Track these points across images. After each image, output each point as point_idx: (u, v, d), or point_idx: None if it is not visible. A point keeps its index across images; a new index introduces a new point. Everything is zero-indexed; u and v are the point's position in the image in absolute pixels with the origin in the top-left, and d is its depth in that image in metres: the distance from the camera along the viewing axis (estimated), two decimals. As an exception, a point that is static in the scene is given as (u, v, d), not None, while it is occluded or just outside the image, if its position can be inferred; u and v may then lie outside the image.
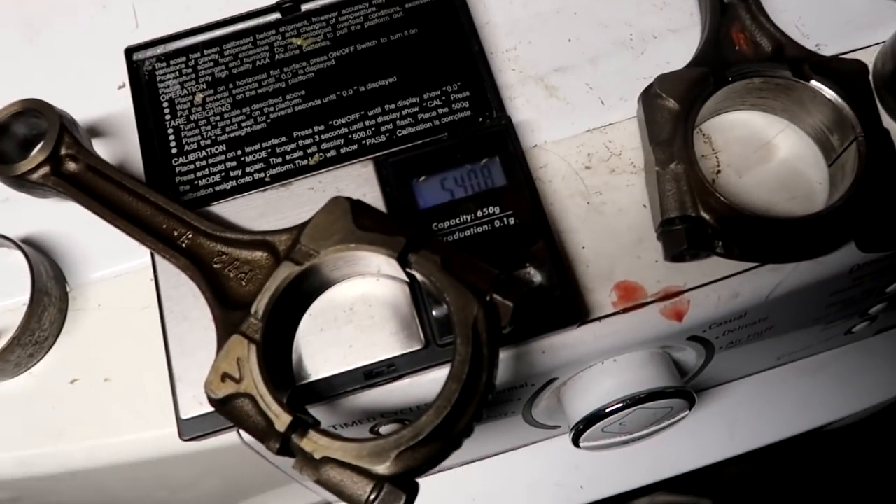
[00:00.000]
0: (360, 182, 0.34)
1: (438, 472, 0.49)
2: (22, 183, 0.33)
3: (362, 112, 0.36)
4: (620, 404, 0.34)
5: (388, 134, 0.36)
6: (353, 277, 0.32)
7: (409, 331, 0.31)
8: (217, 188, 0.36)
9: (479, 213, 0.33)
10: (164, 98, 0.38)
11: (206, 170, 0.36)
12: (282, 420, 0.26)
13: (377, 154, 0.35)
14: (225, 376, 0.27)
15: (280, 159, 0.36)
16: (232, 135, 0.37)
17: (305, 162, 0.36)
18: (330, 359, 0.31)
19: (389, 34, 0.38)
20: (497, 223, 0.33)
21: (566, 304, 0.31)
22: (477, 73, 0.37)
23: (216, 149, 0.36)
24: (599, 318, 0.33)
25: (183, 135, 0.37)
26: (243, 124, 0.37)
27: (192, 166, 0.36)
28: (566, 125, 0.36)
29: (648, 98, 0.33)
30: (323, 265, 0.29)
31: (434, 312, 0.31)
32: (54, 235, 0.37)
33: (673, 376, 0.35)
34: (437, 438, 0.26)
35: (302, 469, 0.26)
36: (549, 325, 0.31)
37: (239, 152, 0.36)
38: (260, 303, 0.28)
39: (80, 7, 0.42)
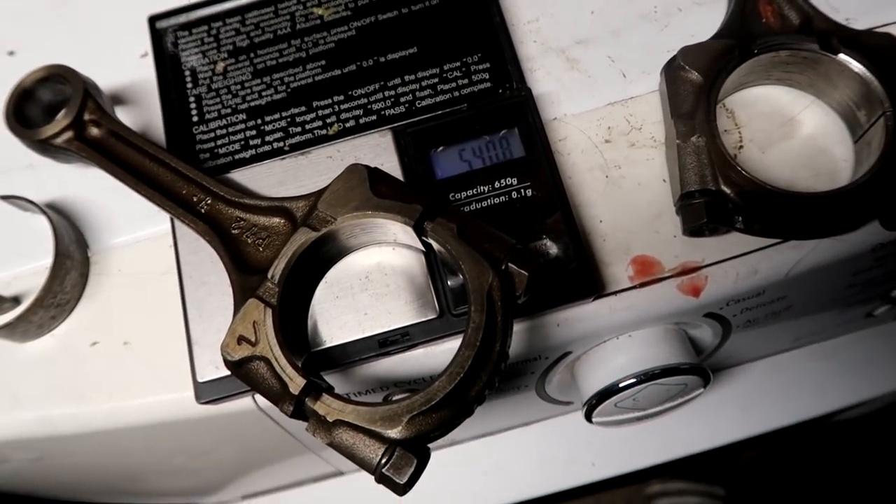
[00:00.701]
0: (378, 151, 0.34)
1: (451, 445, 0.49)
2: (46, 147, 0.34)
3: (382, 82, 0.36)
4: (634, 379, 0.34)
5: (407, 105, 0.36)
6: (370, 246, 0.32)
7: (424, 300, 0.31)
8: (236, 156, 0.36)
9: (497, 185, 0.33)
10: (185, 66, 0.38)
11: (226, 138, 0.36)
12: (296, 383, 0.26)
13: (396, 124, 0.35)
14: (241, 339, 0.28)
15: (299, 129, 0.36)
16: (252, 104, 0.37)
17: (324, 132, 0.36)
18: (345, 326, 0.31)
19: (410, 5, 0.38)
20: (514, 195, 0.32)
21: (582, 277, 0.31)
22: (497, 45, 0.36)
23: (236, 117, 0.37)
24: (615, 293, 0.32)
25: (204, 103, 0.37)
26: (264, 93, 0.37)
27: (212, 134, 0.36)
28: (587, 98, 0.36)
29: (671, 70, 0.33)
30: (339, 232, 0.29)
31: (449, 282, 0.31)
32: (77, 201, 0.37)
33: (688, 353, 0.35)
34: (450, 404, 0.26)
35: (315, 432, 0.26)
36: (564, 298, 0.31)
37: (259, 121, 0.36)
38: (277, 267, 0.29)
39: (105, -24, 0.43)
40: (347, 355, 0.31)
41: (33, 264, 0.36)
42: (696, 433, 0.43)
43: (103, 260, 0.36)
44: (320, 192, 0.30)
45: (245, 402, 0.33)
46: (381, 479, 0.25)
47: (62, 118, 0.33)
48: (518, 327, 0.32)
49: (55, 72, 0.34)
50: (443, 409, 0.26)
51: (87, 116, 0.34)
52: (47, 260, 0.34)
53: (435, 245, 0.29)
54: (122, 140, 0.33)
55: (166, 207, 0.32)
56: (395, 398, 0.35)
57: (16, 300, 0.35)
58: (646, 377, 0.33)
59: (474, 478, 0.45)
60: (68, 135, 0.33)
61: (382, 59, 0.37)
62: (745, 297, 0.34)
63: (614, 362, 0.34)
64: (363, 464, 0.26)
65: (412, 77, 0.36)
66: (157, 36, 0.39)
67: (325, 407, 0.26)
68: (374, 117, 0.36)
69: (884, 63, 0.31)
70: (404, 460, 0.25)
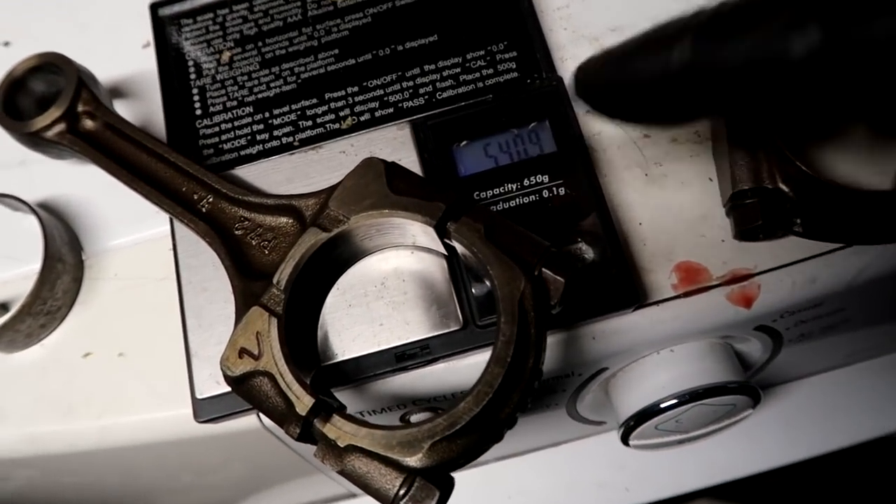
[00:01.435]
0: (395, 146, 0.31)
1: (473, 466, 0.46)
2: (37, 141, 0.31)
3: (400, 73, 0.33)
4: (677, 399, 0.30)
5: (427, 96, 0.33)
6: (386, 249, 0.29)
7: (446, 309, 0.28)
8: (242, 152, 0.33)
9: (526, 183, 0.30)
10: (189, 56, 0.35)
11: (232, 133, 0.34)
12: (303, 402, 0.23)
13: (415, 117, 0.32)
14: (243, 352, 0.25)
15: (310, 122, 0.33)
16: (260, 96, 0.34)
17: (337, 125, 0.33)
18: (358, 338, 0.28)
19: (431, -11, 0.35)
20: (545, 193, 0.29)
21: (621, 284, 0.28)
22: (525, 32, 0.33)
23: (243, 111, 0.34)
24: (658, 302, 0.29)
25: (208, 95, 0.35)
26: (272, 85, 0.34)
27: (216, 129, 0.34)
28: (623, 89, 0.33)
29: (720, 57, 0.30)
30: (353, 233, 0.27)
31: (474, 290, 0.28)
32: (71, 200, 0.35)
33: (736, 370, 0.32)
34: (476, 429, 0.23)
35: (324, 458, 0.23)
36: (601, 308, 0.28)
37: (266, 115, 0.34)
38: (283, 272, 0.26)
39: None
40: (361, 370, 0.28)
41: (24, 268, 0.33)
42: (740, 456, 0.39)
43: (98, 263, 0.33)
44: (332, 189, 0.27)
45: (249, 421, 0.30)
46: (399, 512, 0.22)
47: (54, 109, 0.31)
48: (549, 340, 0.29)
49: (48, 60, 0.32)
50: (469, 434, 0.23)
51: (80, 108, 0.31)
52: (38, 264, 0.31)
53: (459, 247, 0.26)
54: (118, 133, 0.31)
55: (164, 206, 0.29)
56: (413, 418, 0.32)
57: (3, 307, 0.32)
58: (690, 397, 0.30)
59: (497, 502, 0.42)
60: (60, 127, 0.31)
61: (400, 48, 0.34)
62: (801, 308, 0.30)
63: (655, 380, 0.31)
64: (378, 495, 0.22)
65: (432, 67, 0.33)
66: (159, 24, 0.36)
67: (336, 430, 0.23)
68: (390, 110, 0.33)
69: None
70: (425, 492, 0.22)
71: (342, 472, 0.23)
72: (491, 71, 0.33)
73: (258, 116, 0.34)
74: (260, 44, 0.35)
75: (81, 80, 0.31)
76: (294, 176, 0.31)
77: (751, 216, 0.27)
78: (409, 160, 0.31)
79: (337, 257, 0.27)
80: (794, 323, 0.32)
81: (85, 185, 0.35)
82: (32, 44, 0.36)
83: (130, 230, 0.34)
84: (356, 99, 0.33)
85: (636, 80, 0.21)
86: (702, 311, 0.29)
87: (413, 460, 0.22)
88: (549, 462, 0.41)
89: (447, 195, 0.26)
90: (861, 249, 0.29)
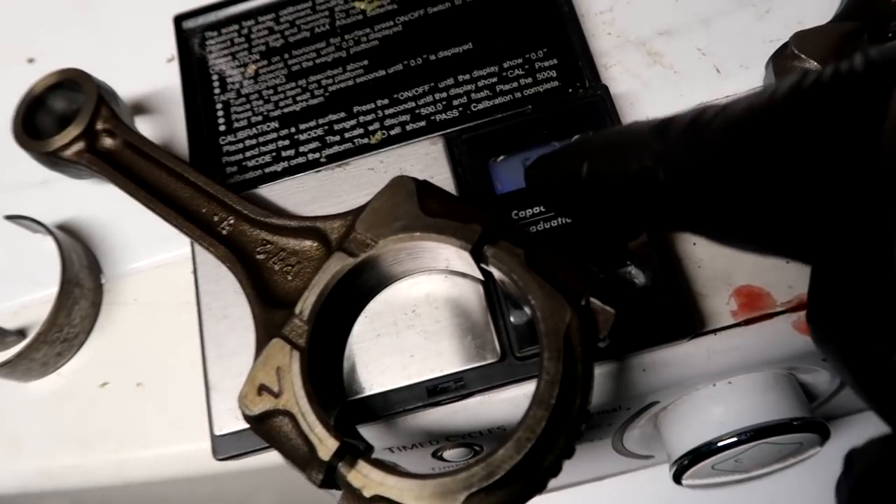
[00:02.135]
0: (427, 162, 0.29)
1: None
2: (55, 161, 0.30)
3: (432, 84, 0.31)
4: (736, 438, 0.28)
5: (461, 108, 0.31)
6: (417, 273, 0.27)
7: (483, 339, 0.26)
8: (267, 170, 0.31)
9: (569, 201, 0.27)
10: (213, 70, 0.34)
11: (256, 149, 0.32)
12: (326, 445, 0.21)
13: (448, 130, 0.30)
14: (262, 388, 0.23)
15: (338, 137, 0.31)
16: (286, 110, 0.32)
17: (366, 140, 0.31)
18: (387, 370, 0.26)
19: (464, -5, 0.33)
20: (590, 212, 0.27)
21: (675, 311, 0.25)
22: (566, 38, 0.31)
23: (268, 126, 0.32)
24: (715, 331, 0.27)
25: (232, 110, 0.33)
26: (298, 98, 0.33)
27: (240, 145, 0.32)
28: (673, 97, 0.30)
29: (783, 60, 0.27)
30: (382, 257, 0.24)
31: (512, 318, 0.26)
32: (93, 221, 0.34)
33: (802, 404, 0.29)
34: (518, 478, 0.20)
35: (349, 506, 0.21)
36: (653, 338, 0.26)
37: (292, 130, 0.32)
38: (306, 301, 0.24)
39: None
40: (390, 405, 0.26)
41: (43, 292, 0.32)
42: (806, 495, 0.36)
43: (117, 287, 0.32)
44: (359, 210, 0.25)
45: (272, 457, 0.28)
46: (432, 571, 0.20)
47: (73, 127, 0.30)
48: (595, 372, 0.27)
49: (67, 76, 0.31)
50: (508, 485, 0.20)
51: (99, 126, 0.30)
52: (56, 287, 0.30)
53: (497, 274, 0.24)
54: (137, 152, 0.29)
55: (183, 228, 0.27)
56: (447, 454, 0.30)
57: (21, 333, 0.31)
58: (751, 435, 0.27)
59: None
60: (79, 146, 0.30)
61: (433, 58, 0.32)
62: (877, 337, 0.27)
63: (711, 415, 0.28)
64: (408, 551, 0.20)
65: (467, 77, 0.31)
66: (183, 37, 0.35)
67: (362, 478, 0.21)
68: (423, 123, 0.31)
69: None
70: (460, 549, 0.20)
71: (369, 525, 0.21)
72: (530, 80, 0.31)
73: (284, 132, 0.32)
74: (286, 56, 0.34)
75: (101, 97, 0.30)
76: (320, 195, 0.29)
77: (822, 237, 0.24)
78: (443, 177, 0.28)
79: (364, 283, 0.25)
80: (869, 353, 0.29)
81: (107, 206, 0.33)
82: (57, 60, 0.35)
83: (151, 252, 0.32)
84: (386, 112, 0.31)
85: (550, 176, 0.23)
86: (764, 340, 0.27)
87: (447, 514, 0.20)
88: (591, 498, 0.38)
89: (484, 216, 0.24)
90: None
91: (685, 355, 0.27)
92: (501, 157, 0.29)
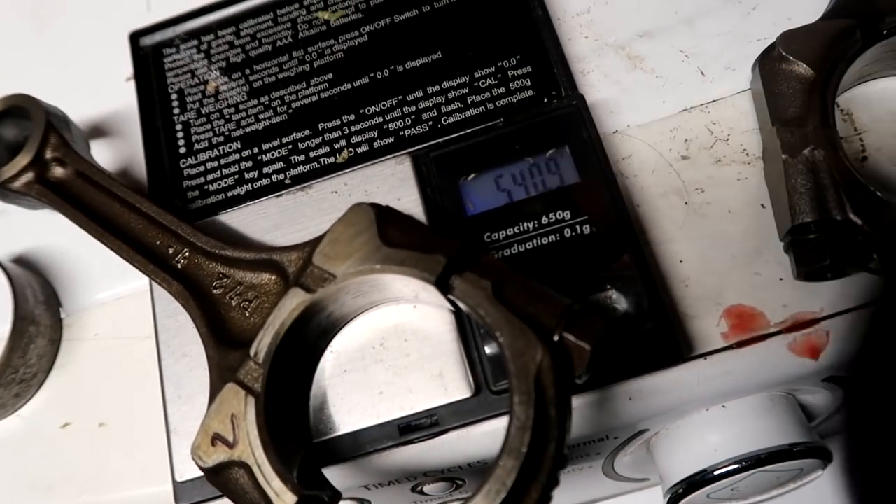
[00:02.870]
0: (393, 183, 0.27)
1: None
2: (4, 193, 0.28)
3: (400, 97, 0.30)
4: (733, 466, 0.26)
5: (431, 122, 0.29)
6: (384, 304, 0.25)
7: (456, 373, 0.24)
8: (229, 193, 0.30)
9: (545, 220, 0.26)
10: (172, 89, 0.32)
11: (218, 172, 0.30)
12: (284, 501, 0.20)
13: (418, 147, 0.28)
14: (216, 438, 0.21)
15: (303, 157, 0.30)
16: (248, 129, 0.31)
17: (332, 159, 0.29)
18: (355, 409, 0.24)
19: (433, 1, 0.31)
20: (568, 232, 0.25)
21: (661, 337, 0.24)
22: (540, 44, 0.29)
23: (229, 146, 0.31)
24: (705, 355, 0.25)
25: (193, 131, 0.31)
26: (261, 116, 0.31)
27: (201, 168, 0.31)
28: (656, 104, 0.28)
29: (769, 63, 0.25)
30: (342, 291, 0.23)
31: (487, 349, 0.24)
32: (52, 252, 0.32)
33: (802, 427, 0.27)
34: (488, 535, 0.19)
35: (310, 565, 0.20)
36: (637, 367, 0.24)
37: (255, 150, 0.30)
38: (261, 342, 0.22)
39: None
40: (360, 446, 0.24)
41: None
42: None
43: (78, 322, 0.30)
44: (316, 241, 0.23)
45: (239, 500, 0.26)
46: None
47: (20, 158, 0.28)
48: (576, 402, 0.25)
49: (14, 103, 0.29)
50: (479, 543, 0.19)
51: (49, 154, 0.28)
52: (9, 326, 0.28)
53: (464, 307, 0.22)
54: (88, 181, 0.28)
55: (135, 262, 0.26)
56: (427, 489, 0.28)
57: (-23, 374, 0.29)
58: (749, 464, 0.26)
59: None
60: (28, 176, 0.28)
61: (400, 69, 0.30)
62: (879, 355, 0.26)
63: (705, 442, 0.27)
64: None
65: (437, 88, 0.29)
66: (140, 55, 0.33)
67: (321, 537, 0.19)
68: (391, 139, 0.29)
69: None
70: None
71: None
72: (503, 90, 0.29)
73: (246, 152, 0.30)
74: (248, 71, 0.32)
75: (50, 124, 0.29)
76: (282, 222, 0.28)
77: (816, 255, 0.23)
78: (411, 199, 0.27)
79: (327, 318, 0.24)
80: (871, 371, 0.27)
81: (66, 236, 0.31)
82: (10, 83, 0.33)
83: (113, 284, 0.31)
84: (352, 128, 0.30)
85: None
86: (758, 364, 0.25)
87: (411, 577, 0.18)
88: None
89: (449, 245, 0.22)
90: (952, 285, 0.24)
91: (674, 382, 0.25)
92: (472, 176, 0.27)
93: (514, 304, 0.21)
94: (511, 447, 0.19)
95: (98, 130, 0.33)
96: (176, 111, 0.32)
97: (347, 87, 0.31)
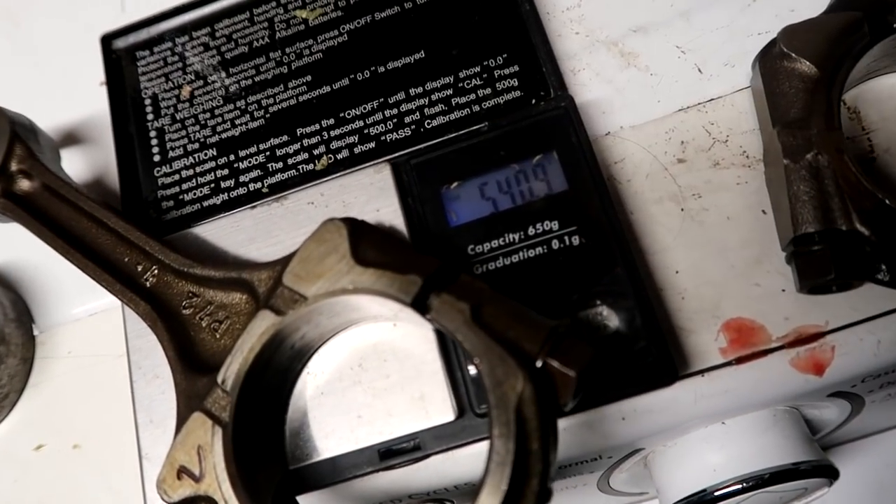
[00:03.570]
0: (372, 192, 0.26)
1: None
2: (-31, 207, 0.27)
3: (381, 99, 0.28)
4: (735, 486, 0.25)
5: (413, 126, 0.27)
6: (362, 323, 0.24)
7: (438, 395, 0.23)
8: (205, 203, 0.28)
9: (532, 231, 0.24)
10: (146, 94, 0.31)
11: (194, 180, 0.29)
12: (251, 540, 0.19)
13: (399, 153, 0.27)
14: (182, 471, 0.20)
15: (280, 164, 0.28)
16: (224, 135, 0.29)
17: (311, 166, 0.28)
18: (333, 434, 0.23)
19: (415, -3, 0.30)
20: (556, 244, 0.24)
21: (655, 356, 0.22)
22: (528, 41, 0.28)
23: (205, 154, 0.29)
24: (702, 372, 0.24)
25: (167, 138, 0.30)
26: (237, 122, 0.30)
27: (176, 177, 0.29)
28: (650, 104, 0.27)
29: (770, 60, 0.24)
30: (314, 312, 0.22)
31: (470, 370, 0.23)
32: (25, 266, 0.31)
33: (807, 444, 0.26)
34: (466, 578, 0.17)
35: None
36: (629, 387, 0.23)
37: (231, 157, 0.29)
38: (229, 368, 0.21)
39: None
40: (339, 472, 0.23)
41: (-26, 346, 0.29)
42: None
43: (51, 339, 0.29)
44: (287, 259, 0.22)
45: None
46: None
47: (-16, 171, 0.27)
48: (564, 423, 0.24)
49: (-23, 113, 0.28)
50: (455, 587, 0.17)
51: (14, 167, 0.27)
52: (-20, 345, 0.27)
53: (442, 329, 0.21)
54: (55, 195, 0.27)
55: (102, 281, 0.24)
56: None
57: (-52, 395, 0.28)
58: (751, 484, 0.24)
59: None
60: (-8, 191, 0.27)
61: (382, 69, 0.29)
62: (888, 370, 0.24)
63: (705, 461, 0.25)
64: None
65: (419, 90, 0.28)
66: (112, 59, 0.32)
67: (289, 580, 0.18)
68: (372, 144, 0.28)
69: None
70: None
71: None
72: (488, 91, 0.27)
73: (222, 160, 0.29)
74: (223, 74, 0.31)
75: (16, 134, 0.27)
76: (257, 235, 0.26)
77: (820, 267, 0.21)
78: (390, 209, 0.25)
79: (300, 340, 0.23)
80: (880, 385, 0.26)
81: (38, 250, 0.30)
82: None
83: (87, 299, 0.30)
84: (332, 134, 0.28)
85: None
86: (759, 381, 0.24)
87: None
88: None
89: (426, 263, 0.21)
90: (966, 296, 0.23)
91: (669, 400, 0.24)
92: (455, 184, 0.25)
93: (494, 328, 0.19)
94: (490, 484, 0.18)
95: (70, 138, 0.32)
96: (150, 117, 0.31)
97: (327, 89, 0.29)
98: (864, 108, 0.25)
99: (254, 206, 0.27)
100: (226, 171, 0.29)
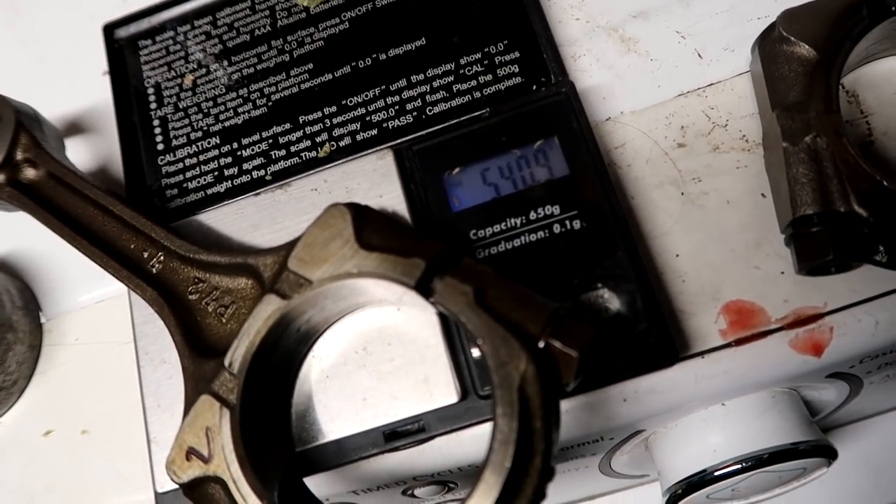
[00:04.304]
0: (375, 179, 0.26)
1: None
2: (-25, 197, 0.28)
3: (383, 86, 0.28)
4: (733, 466, 0.25)
5: (415, 113, 0.28)
6: (367, 307, 0.24)
7: (441, 378, 0.23)
8: (209, 191, 0.29)
9: (533, 216, 0.24)
10: (149, 83, 0.31)
11: (197, 168, 0.29)
12: (259, 518, 0.19)
13: (401, 140, 0.27)
14: (190, 453, 0.21)
15: (283, 152, 0.28)
16: (227, 124, 0.30)
17: (314, 154, 0.28)
18: (339, 416, 0.23)
19: (416, -16, 0.30)
20: (557, 228, 0.24)
21: (656, 338, 0.23)
22: (529, 27, 0.28)
23: (208, 142, 0.30)
24: (702, 353, 0.24)
25: (170, 126, 0.30)
26: (240, 110, 0.30)
27: (180, 165, 0.29)
28: (650, 89, 0.27)
29: (769, 44, 0.24)
30: (319, 297, 0.22)
31: (474, 352, 0.23)
32: (31, 255, 0.31)
33: (806, 425, 0.26)
34: (471, 554, 0.18)
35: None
36: (631, 368, 0.23)
37: (235, 145, 0.29)
38: (236, 352, 0.21)
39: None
40: (345, 454, 0.24)
41: (-18, 334, 0.30)
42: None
43: (59, 327, 0.30)
44: (292, 244, 0.22)
45: (225, 508, 0.26)
46: None
47: (-10, 160, 0.27)
48: (567, 405, 0.24)
49: (-19, 102, 0.28)
50: (461, 563, 0.18)
51: (19, 156, 0.27)
52: (-12, 332, 0.27)
53: (446, 312, 0.21)
54: (60, 183, 0.27)
55: (109, 268, 0.25)
56: (419, 492, 0.27)
57: (-43, 382, 0.29)
58: (751, 464, 0.25)
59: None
60: (-1, 179, 0.27)
61: (383, 56, 0.29)
62: (886, 350, 0.24)
63: (704, 442, 0.26)
64: None
65: (421, 76, 0.28)
66: (115, 48, 0.32)
67: (298, 557, 0.19)
68: (374, 131, 0.28)
69: None
70: None
71: None
72: (489, 77, 0.28)
73: (226, 148, 0.29)
74: (226, 63, 0.31)
75: (21, 124, 0.27)
76: (261, 221, 0.27)
77: (818, 249, 0.22)
78: (393, 195, 0.26)
79: (306, 323, 0.23)
80: (878, 366, 0.26)
81: (45, 238, 0.30)
82: (-16, 80, 0.33)
83: (94, 286, 0.30)
84: (334, 121, 0.28)
85: None
86: (758, 362, 0.24)
87: None
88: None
89: (429, 247, 0.21)
90: (963, 277, 0.23)
91: (670, 382, 0.24)
92: (457, 170, 0.26)
93: (497, 310, 0.20)
94: (494, 462, 0.18)
95: (74, 127, 0.32)
96: (153, 106, 0.31)
97: (328, 77, 0.29)
98: (863, 91, 0.26)
99: (257, 194, 0.27)
100: (229, 159, 0.29)
